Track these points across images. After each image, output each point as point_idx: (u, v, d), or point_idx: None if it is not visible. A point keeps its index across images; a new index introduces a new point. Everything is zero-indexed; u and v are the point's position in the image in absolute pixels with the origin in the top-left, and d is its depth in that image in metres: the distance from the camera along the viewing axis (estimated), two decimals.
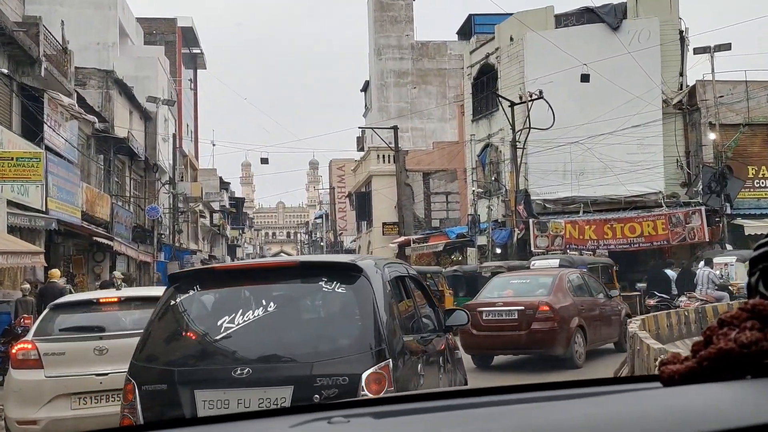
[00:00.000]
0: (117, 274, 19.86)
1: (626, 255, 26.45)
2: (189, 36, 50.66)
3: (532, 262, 18.25)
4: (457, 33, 48.16)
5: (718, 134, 26.02)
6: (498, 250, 28.26)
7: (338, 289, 4.47)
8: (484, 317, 12.10)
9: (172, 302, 4.66)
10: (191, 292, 4.67)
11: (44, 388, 6.89)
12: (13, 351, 7.27)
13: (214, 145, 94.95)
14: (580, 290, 13.09)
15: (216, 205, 63.11)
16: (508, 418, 1.09)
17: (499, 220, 29.28)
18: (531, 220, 26.70)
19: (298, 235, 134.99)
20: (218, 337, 4.37)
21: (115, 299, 7.55)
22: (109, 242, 21.01)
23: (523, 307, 11.91)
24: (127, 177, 29.81)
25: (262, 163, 31.45)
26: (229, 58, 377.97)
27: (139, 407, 4.29)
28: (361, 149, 52.18)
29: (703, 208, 25.29)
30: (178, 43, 46.98)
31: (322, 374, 4.11)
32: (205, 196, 57.78)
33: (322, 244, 78.49)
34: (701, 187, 26.33)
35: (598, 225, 26.38)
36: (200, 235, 54.30)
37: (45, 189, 17.74)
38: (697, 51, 26.03)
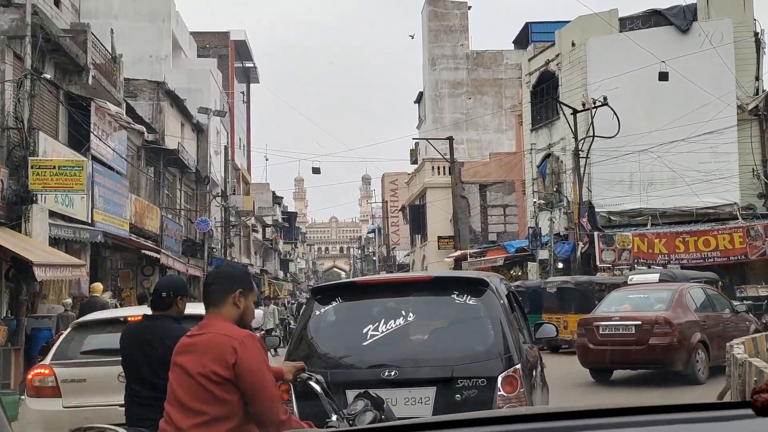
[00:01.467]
0: None
1: (699, 271, 24.78)
2: (242, 50, 50.51)
3: (630, 277, 17.66)
4: (514, 42, 46.94)
5: None
6: (560, 265, 26.85)
7: (469, 301, 4.94)
8: (600, 331, 12.07)
9: (317, 312, 5.15)
10: (334, 303, 5.15)
11: (62, 420, 5.97)
12: (29, 376, 6.38)
13: (266, 159, 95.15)
14: (702, 305, 12.75)
15: (268, 220, 62.91)
16: None
17: (562, 234, 27.87)
18: (596, 233, 25.26)
19: (351, 249, 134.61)
20: (365, 343, 4.80)
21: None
22: (156, 255, 20.38)
23: (640, 322, 11.70)
24: (178, 189, 29.36)
25: (313, 173, 30.73)
26: (282, 72, 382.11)
27: (295, 406, 4.61)
28: (414, 162, 51.22)
29: None
30: (230, 56, 46.83)
31: (462, 376, 4.57)
32: (258, 210, 57.56)
33: (374, 258, 77.61)
34: None
35: (669, 238, 24.78)
36: (252, 249, 53.96)
37: (91, 200, 17.16)
38: None
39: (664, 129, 25.24)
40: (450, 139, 35.70)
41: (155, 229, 23.36)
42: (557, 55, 30.03)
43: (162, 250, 21.62)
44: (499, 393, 4.55)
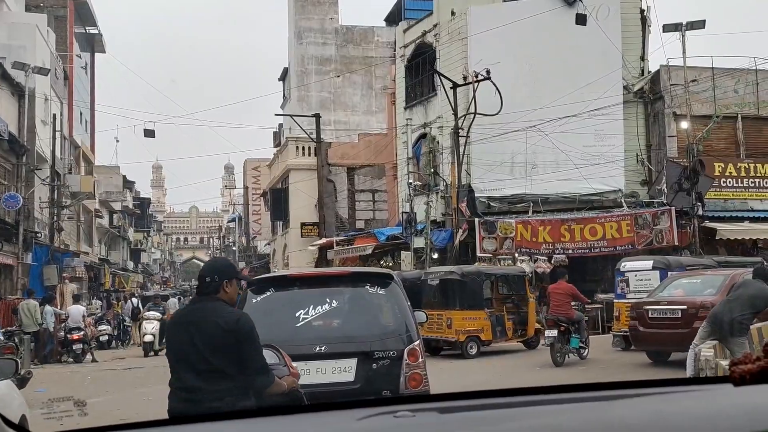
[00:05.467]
0: None
1: (583, 261, 22.94)
2: (84, 12, 44.81)
3: (623, 264, 17.27)
4: (386, 20, 44.16)
5: (689, 124, 22.77)
6: (435, 255, 24.21)
7: (379, 291, 6.46)
8: (649, 315, 12.96)
9: (254, 300, 6.28)
10: (268, 293, 6.38)
11: None
12: None
13: (117, 141, 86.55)
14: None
15: (118, 206, 57.36)
16: (577, 414, 1.10)
17: (439, 220, 25.27)
18: (477, 220, 22.78)
19: (211, 240, 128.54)
20: (298, 325, 6.17)
21: None
22: None
23: (686, 306, 12.33)
24: None
25: (146, 136, 26.35)
26: (135, 52, 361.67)
27: None
28: (277, 145, 47.52)
29: (673, 208, 21.94)
30: (69, 17, 41.13)
31: (378, 350, 5.99)
32: (105, 195, 52.07)
33: (234, 248, 73.09)
34: (665, 184, 22.95)
35: (554, 226, 22.70)
36: (96, 237, 48.43)
37: None
38: (667, 28, 22.70)
39: (548, 107, 23.19)
40: (317, 116, 32.43)
41: None
42: (435, 26, 27.44)
43: None
44: (405, 362, 5.96)
